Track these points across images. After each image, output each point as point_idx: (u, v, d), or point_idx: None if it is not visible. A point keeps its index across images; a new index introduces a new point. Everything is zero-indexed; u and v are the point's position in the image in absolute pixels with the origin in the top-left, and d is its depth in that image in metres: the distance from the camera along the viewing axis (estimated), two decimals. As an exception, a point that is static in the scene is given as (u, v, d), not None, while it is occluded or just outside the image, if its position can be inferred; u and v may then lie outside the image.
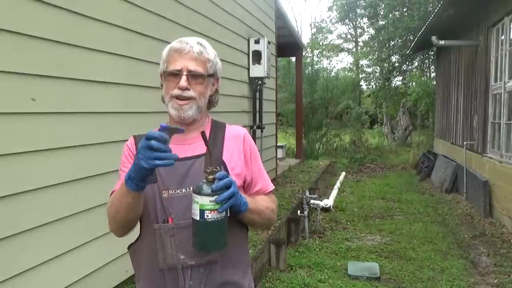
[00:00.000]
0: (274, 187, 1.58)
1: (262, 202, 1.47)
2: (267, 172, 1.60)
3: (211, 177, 1.28)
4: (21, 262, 2.38)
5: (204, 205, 1.27)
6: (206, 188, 1.27)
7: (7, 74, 2.30)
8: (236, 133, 1.54)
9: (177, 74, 1.41)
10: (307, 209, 5.46)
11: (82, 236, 2.86)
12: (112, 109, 3.20)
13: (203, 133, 1.33)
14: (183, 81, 1.40)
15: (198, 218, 1.28)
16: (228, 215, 1.32)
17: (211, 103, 1.56)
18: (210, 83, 1.49)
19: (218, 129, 1.54)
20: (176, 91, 1.41)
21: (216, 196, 1.26)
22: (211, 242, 1.31)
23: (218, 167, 1.32)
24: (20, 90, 2.39)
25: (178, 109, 1.43)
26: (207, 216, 1.27)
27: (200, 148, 1.43)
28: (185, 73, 1.40)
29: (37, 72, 2.49)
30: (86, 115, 2.92)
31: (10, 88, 2.33)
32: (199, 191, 1.27)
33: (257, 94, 6.70)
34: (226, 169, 1.44)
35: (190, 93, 1.41)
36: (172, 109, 1.44)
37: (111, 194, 1.50)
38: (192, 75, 1.41)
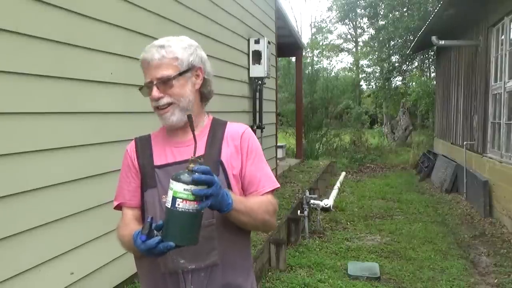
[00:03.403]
0: (275, 187, 1.49)
1: (254, 203, 1.40)
2: None
3: (192, 165, 1.21)
4: (21, 262, 2.38)
5: (178, 192, 1.19)
6: (184, 176, 1.19)
7: (7, 74, 2.30)
8: (235, 131, 1.49)
9: (150, 86, 1.40)
10: (307, 209, 5.46)
11: (82, 236, 2.85)
12: (112, 109, 3.20)
13: (189, 116, 1.27)
14: (154, 92, 1.39)
15: (169, 206, 1.20)
16: (203, 211, 1.24)
17: (204, 95, 1.50)
18: (188, 79, 1.42)
19: (217, 127, 1.50)
20: (153, 103, 1.41)
21: (192, 186, 1.18)
22: (179, 235, 1.21)
23: (201, 158, 1.27)
24: (20, 90, 2.39)
25: (161, 119, 1.43)
26: (178, 205, 1.19)
27: (198, 149, 1.40)
28: (154, 82, 1.39)
29: (37, 72, 2.49)
30: (86, 115, 2.92)
31: (10, 88, 2.33)
32: (175, 177, 1.20)
33: (257, 94, 6.70)
34: (224, 170, 1.42)
35: (165, 100, 1.39)
36: (159, 119, 1.45)
37: (115, 207, 1.55)
38: (162, 82, 1.39)
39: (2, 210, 2.28)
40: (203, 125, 1.50)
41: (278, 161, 8.70)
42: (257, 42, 6.51)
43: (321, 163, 11.19)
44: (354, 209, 7.02)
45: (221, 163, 1.42)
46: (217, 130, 1.49)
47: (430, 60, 18.97)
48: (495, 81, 6.76)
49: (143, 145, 1.51)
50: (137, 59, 3.94)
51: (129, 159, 1.52)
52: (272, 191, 1.48)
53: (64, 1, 2.67)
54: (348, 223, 6.18)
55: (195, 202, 1.20)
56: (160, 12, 3.85)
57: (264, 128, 6.89)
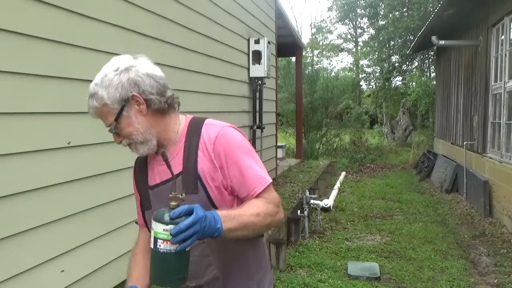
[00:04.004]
0: (266, 185, 1.37)
1: (250, 214, 1.29)
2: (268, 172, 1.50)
3: (173, 203, 1.16)
4: (21, 262, 2.38)
5: (158, 233, 1.14)
6: (164, 216, 1.14)
7: (7, 74, 2.30)
8: (208, 137, 1.37)
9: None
10: (307, 209, 5.45)
11: (82, 236, 2.85)
12: (112, 109, 3.20)
13: (163, 154, 1.25)
14: (114, 139, 1.41)
15: (152, 247, 1.16)
16: (188, 249, 1.17)
17: (161, 109, 1.36)
18: (130, 114, 1.34)
19: (193, 133, 1.40)
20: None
21: (171, 226, 1.12)
22: (165, 276, 1.16)
23: (182, 194, 1.21)
24: (20, 90, 2.39)
25: (134, 153, 1.43)
26: (160, 246, 1.14)
27: (176, 164, 1.37)
28: (109, 130, 1.39)
29: (37, 72, 2.49)
30: (86, 115, 2.91)
31: (10, 88, 2.33)
32: (155, 217, 1.16)
33: (257, 94, 6.70)
34: (202, 184, 1.35)
35: (125, 142, 1.39)
36: None
37: (136, 222, 1.58)
38: (112, 130, 1.38)
39: (2, 210, 2.28)
40: (178, 135, 1.41)
41: (278, 161, 8.70)
42: (257, 42, 6.51)
43: (321, 163, 11.19)
44: (354, 209, 7.01)
45: (200, 178, 1.35)
46: (193, 137, 1.39)
47: (430, 60, 18.98)
48: (495, 81, 6.76)
49: (141, 166, 1.50)
50: (137, 59, 3.90)
51: (133, 180, 1.54)
52: (265, 189, 1.38)
53: (64, 1, 2.67)
54: (348, 223, 6.18)
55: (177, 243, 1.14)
56: (160, 12, 3.85)
57: (264, 128, 6.89)
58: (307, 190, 5.98)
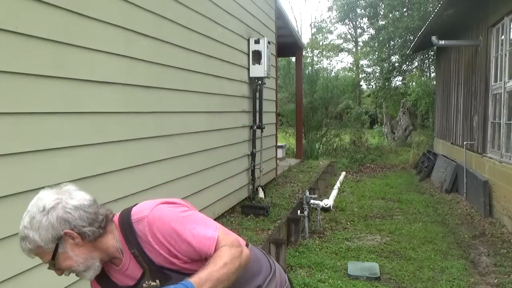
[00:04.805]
0: (214, 243, 1.37)
1: (216, 267, 1.32)
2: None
3: None
4: (21, 262, 2.37)
5: None
6: None
7: (7, 74, 2.30)
8: (143, 234, 1.38)
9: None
10: (307, 209, 5.45)
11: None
12: (112, 109, 3.20)
13: (134, 253, 1.35)
14: (56, 273, 1.40)
15: None
16: None
17: (95, 236, 1.36)
18: (66, 249, 1.34)
19: (130, 238, 1.40)
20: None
21: None
22: None
23: (156, 281, 1.27)
24: (20, 90, 2.39)
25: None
26: None
27: (134, 271, 1.41)
28: (48, 266, 1.39)
29: (37, 72, 2.49)
30: (86, 115, 2.92)
31: (10, 88, 2.33)
32: None
33: (257, 94, 6.70)
34: (169, 270, 1.39)
35: (66, 272, 1.40)
36: None
37: None
38: (50, 267, 1.39)
39: (2, 210, 2.28)
40: (120, 246, 1.42)
41: (278, 161, 8.70)
42: (257, 42, 6.51)
43: (321, 163, 11.19)
44: (354, 209, 7.01)
45: (164, 268, 1.38)
46: (129, 237, 1.40)
47: (430, 60, 18.98)
48: (495, 81, 6.76)
49: (101, 277, 1.49)
50: (137, 59, 3.94)
51: None
52: (218, 240, 1.39)
53: (64, 1, 2.67)
54: (348, 223, 6.18)
55: None
56: (160, 12, 3.85)
57: (264, 128, 6.89)
58: (307, 190, 5.98)
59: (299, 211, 5.59)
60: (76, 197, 1.35)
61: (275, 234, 4.69)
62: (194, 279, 1.27)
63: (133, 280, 1.44)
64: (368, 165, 12.47)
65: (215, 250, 1.37)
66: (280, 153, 9.67)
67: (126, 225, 1.40)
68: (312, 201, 5.62)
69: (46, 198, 1.33)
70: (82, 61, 2.86)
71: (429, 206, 7.23)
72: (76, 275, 1.40)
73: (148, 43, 3.65)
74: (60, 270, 1.38)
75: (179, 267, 1.39)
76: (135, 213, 1.41)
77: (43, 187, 1.40)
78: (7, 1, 2.31)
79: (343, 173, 10.29)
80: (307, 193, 5.71)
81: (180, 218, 1.39)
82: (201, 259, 1.39)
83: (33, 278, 2.44)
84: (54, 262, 1.35)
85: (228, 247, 1.38)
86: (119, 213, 1.46)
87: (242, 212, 5.94)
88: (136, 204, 1.47)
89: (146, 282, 1.24)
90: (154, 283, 1.24)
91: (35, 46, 2.48)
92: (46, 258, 1.34)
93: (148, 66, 3.67)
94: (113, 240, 1.40)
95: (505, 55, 6.28)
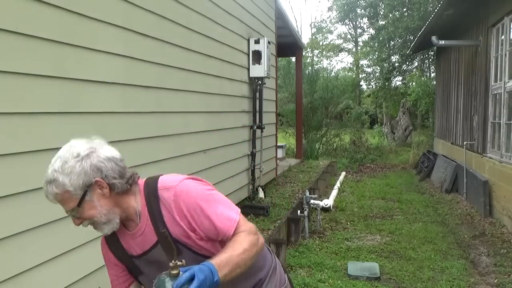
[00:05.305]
0: (236, 222, 1.41)
1: (236, 252, 1.34)
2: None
3: (174, 272, 1.23)
4: (21, 262, 2.37)
5: None
6: (167, 285, 1.21)
7: (7, 74, 2.30)
8: (167, 203, 1.40)
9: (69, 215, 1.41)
10: (307, 209, 5.45)
11: (82, 236, 2.85)
12: (112, 109, 3.20)
13: (162, 233, 1.33)
14: (73, 221, 1.41)
15: None
16: None
17: (122, 190, 1.39)
18: (93, 198, 1.35)
19: (153, 203, 1.41)
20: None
21: None
22: None
23: (182, 261, 1.26)
24: (20, 90, 2.39)
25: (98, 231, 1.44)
26: None
27: (149, 237, 1.42)
28: (68, 213, 1.39)
29: (37, 72, 2.49)
30: (86, 115, 2.92)
31: (10, 88, 2.33)
32: (157, 285, 1.22)
33: (257, 94, 6.70)
34: (186, 246, 1.40)
35: (86, 222, 1.40)
36: None
37: None
38: (73, 213, 1.38)
39: (2, 210, 2.28)
40: (139, 207, 1.43)
41: (278, 161, 8.70)
42: (257, 42, 6.51)
43: (321, 163, 11.19)
44: (354, 209, 7.02)
45: (179, 241, 1.39)
46: (154, 208, 1.41)
47: (430, 60, 18.97)
48: (495, 81, 6.76)
49: (112, 241, 1.52)
50: (137, 59, 3.94)
51: (109, 253, 1.54)
52: (239, 223, 1.42)
53: (64, 1, 2.67)
54: (348, 223, 6.18)
55: None
56: (160, 12, 3.85)
57: (264, 128, 6.89)
58: (307, 190, 5.99)
59: (299, 211, 5.59)
60: (109, 150, 1.40)
61: (275, 234, 4.69)
62: (215, 261, 1.29)
63: (141, 249, 1.45)
64: (368, 165, 12.48)
65: (234, 233, 1.39)
66: (280, 153, 9.67)
67: (152, 190, 1.42)
68: (312, 201, 5.63)
69: (79, 146, 1.37)
70: (82, 61, 2.85)
71: (429, 206, 7.23)
72: (94, 227, 1.41)
73: (148, 43, 3.65)
74: (80, 219, 1.38)
75: (193, 242, 1.39)
76: (162, 182, 1.43)
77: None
78: (7, 1, 2.31)
79: (343, 173, 10.29)
80: (307, 193, 5.71)
81: (206, 196, 1.42)
82: (216, 239, 1.41)
83: (33, 278, 2.44)
84: (78, 209, 1.34)
85: (247, 233, 1.40)
86: (144, 179, 1.48)
87: (242, 212, 5.91)
88: (161, 174, 1.49)
89: (173, 261, 1.23)
90: (180, 263, 1.23)
91: (35, 46, 2.48)
92: (71, 204, 1.34)
93: (148, 66, 3.67)
94: (135, 202, 1.42)
95: (505, 55, 6.28)
